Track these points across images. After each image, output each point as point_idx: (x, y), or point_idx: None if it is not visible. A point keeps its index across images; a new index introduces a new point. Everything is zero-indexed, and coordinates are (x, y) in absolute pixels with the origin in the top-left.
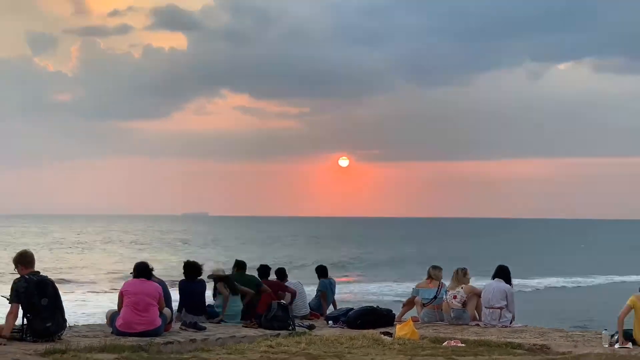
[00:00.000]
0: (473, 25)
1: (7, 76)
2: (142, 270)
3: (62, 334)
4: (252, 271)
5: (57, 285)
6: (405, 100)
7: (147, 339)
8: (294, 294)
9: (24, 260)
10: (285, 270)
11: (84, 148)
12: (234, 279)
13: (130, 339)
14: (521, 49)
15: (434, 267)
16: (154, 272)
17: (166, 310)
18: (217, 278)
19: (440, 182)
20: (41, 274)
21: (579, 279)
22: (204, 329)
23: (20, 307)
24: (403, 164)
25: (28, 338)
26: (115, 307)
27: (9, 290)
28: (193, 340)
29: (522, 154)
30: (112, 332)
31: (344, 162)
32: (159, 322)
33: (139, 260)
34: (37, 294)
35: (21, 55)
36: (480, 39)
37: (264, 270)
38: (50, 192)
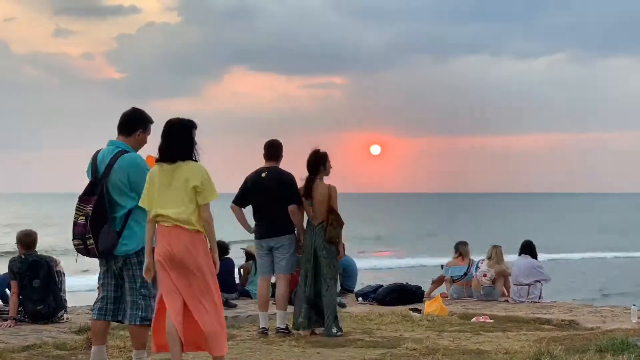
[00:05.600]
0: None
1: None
2: None
3: (61, 315)
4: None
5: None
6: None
7: None
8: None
9: (24, 240)
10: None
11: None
12: None
13: None
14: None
15: (462, 244)
16: None
17: None
18: (249, 255)
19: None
20: (39, 253)
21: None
22: (235, 306)
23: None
24: (424, 140)
25: (26, 319)
26: None
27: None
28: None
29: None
30: None
31: (375, 148)
32: None
33: None
34: (29, 275)
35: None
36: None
37: None
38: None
